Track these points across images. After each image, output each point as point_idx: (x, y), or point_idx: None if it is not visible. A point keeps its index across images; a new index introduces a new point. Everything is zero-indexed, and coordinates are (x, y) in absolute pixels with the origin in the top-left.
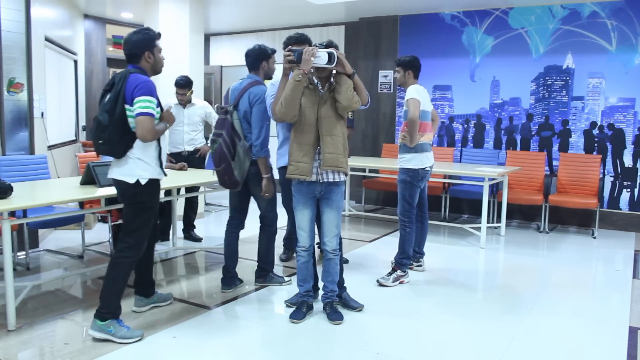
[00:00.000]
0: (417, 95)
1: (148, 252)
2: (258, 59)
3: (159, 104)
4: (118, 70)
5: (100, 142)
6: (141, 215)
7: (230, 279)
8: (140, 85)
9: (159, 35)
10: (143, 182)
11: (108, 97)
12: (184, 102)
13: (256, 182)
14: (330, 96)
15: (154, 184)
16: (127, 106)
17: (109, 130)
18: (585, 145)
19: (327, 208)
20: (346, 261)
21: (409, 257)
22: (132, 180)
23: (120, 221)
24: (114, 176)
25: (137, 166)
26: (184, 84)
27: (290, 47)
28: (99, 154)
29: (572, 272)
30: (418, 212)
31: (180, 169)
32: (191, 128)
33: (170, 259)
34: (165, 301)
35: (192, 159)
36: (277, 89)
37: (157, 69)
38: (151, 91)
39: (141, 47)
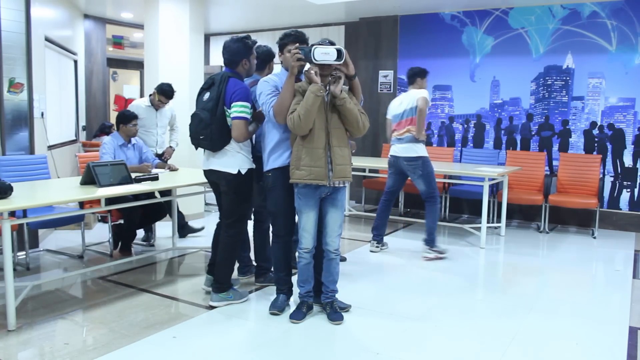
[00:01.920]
0: (388, 112)
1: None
2: (266, 60)
3: (252, 106)
4: (118, 70)
5: (201, 137)
6: (245, 201)
7: (245, 267)
8: (238, 91)
9: (255, 44)
10: (243, 172)
11: (208, 96)
12: (157, 107)
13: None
14: (336, 107)
15: (250, 173)
16: (225, 108)
17: (211, 128)
18: (585, 145)
19: (332, 208)
20: (343, 259)
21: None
22: (234, 171)
23: (120, 221)
24: (215, 167)
25: (237, 159)
26: (171, 96)
27: (298, 45)
28: (197, 147)
29: (572, 272)
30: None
31: (171, 169)
32: (162, 130)
33: (170, 259)
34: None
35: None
36: (283, 90)
37: (250, 73)
38: (247, 97)
39: (240, 55)
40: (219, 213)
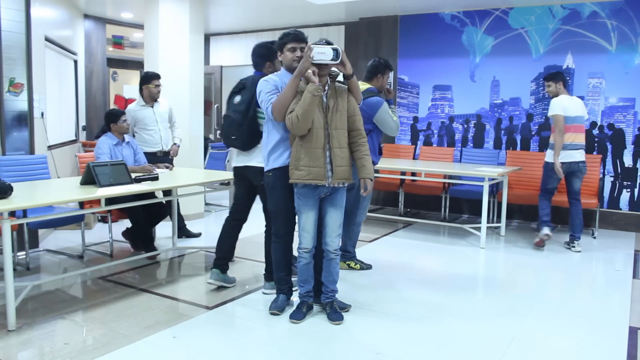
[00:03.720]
0: (560, 109)
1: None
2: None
3: None
4: (118, 70)
5: (233, 137)
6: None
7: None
8: None
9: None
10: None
11: (239, 99)
12: (156, 96)
13: None
14: (338, 107)
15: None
16: (257, 109)
17: (242, 129)
18: (585, 145)
19: (331, 208)
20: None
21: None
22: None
23: (125, 225)
24: (247, 164)
25: None
26: (155, 76)
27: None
28: (229, 147)
29: (572, 272)
30: (568, 198)
31: (165, 168)
32: (164, 126)
33: (170, 259)
34: (231, 283)
35: (165, 160)
36: (286, 89)
37: None
38: None
39: (264, 58)
40: (232, 208)
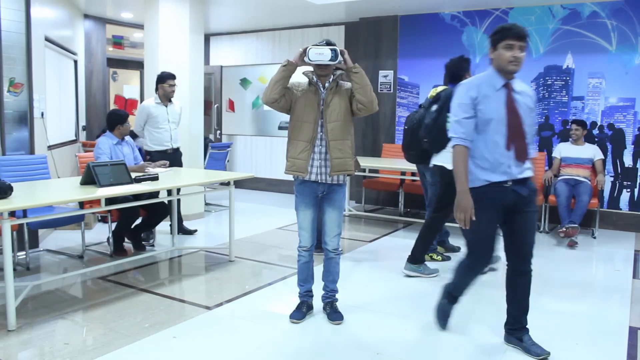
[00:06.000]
0: None
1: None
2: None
3: None
4: (118, 70)
5: (425, 140)
6: (451, 193)
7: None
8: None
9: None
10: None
11: (435, 107)
12: (170, 95)
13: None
14: (336, 100)
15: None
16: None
17: (432, 133)
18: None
19: (329, 208)
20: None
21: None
22: (451, 167)
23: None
24: (436, 163)
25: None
26: (171, 75)
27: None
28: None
29: (572, 272)
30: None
31: (162, 166)
32: (174, 126)
33: (170, 259)
34: (432, 274)
35: (176, 156)
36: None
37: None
38: None
39: (465, 71)
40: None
